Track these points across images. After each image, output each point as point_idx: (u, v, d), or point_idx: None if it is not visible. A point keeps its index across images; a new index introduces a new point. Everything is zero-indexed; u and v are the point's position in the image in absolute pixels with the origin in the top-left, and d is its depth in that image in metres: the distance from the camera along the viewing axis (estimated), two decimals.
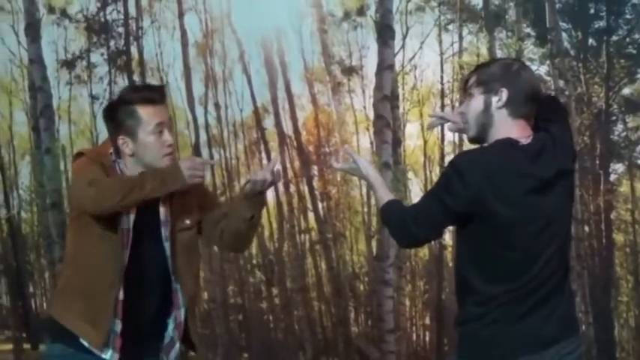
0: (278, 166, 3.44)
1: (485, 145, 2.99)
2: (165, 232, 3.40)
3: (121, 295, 3.31)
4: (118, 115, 3.31)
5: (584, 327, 16.19)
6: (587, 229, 19.10)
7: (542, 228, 2.88)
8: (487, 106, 2.98)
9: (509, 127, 2.95)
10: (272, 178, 3.34)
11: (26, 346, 20.81)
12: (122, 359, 3.36)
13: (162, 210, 3.39)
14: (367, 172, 3.29)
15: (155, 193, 3.21)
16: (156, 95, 3.33)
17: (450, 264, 20.86)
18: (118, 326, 3.32)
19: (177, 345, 3.51)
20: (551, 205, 2.90)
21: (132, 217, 3.30)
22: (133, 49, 19.72)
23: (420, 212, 2.99)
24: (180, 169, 3.20)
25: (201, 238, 3.59)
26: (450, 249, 20.88)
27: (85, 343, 3.32)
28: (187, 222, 3.45)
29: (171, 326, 3.48)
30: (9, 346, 20.59)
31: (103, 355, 3.33)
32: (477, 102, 3.01)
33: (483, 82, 3.00)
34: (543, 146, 2.92)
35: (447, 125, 3.28)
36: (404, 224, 3.03)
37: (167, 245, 3.40)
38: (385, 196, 3.19)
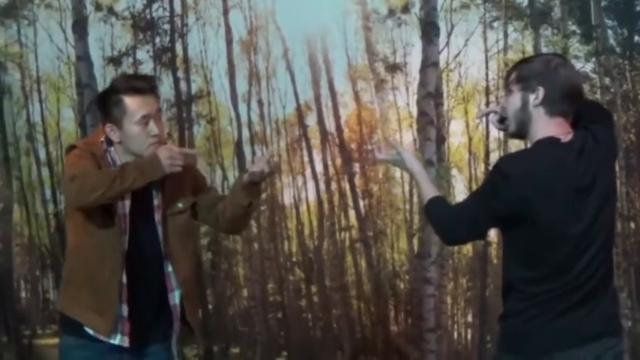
0: (275, 158, 3.47)
1: (529, 147, 3.02)
2: (157, 215, 3.48)
3: (125, 280, 3.39)
4: (106, 103, 3.40)
5: (630, 323, 16.18)
6: (633, 225, 19.03)
7: (587, 226, 2.90)
8: (524, 103, 3.03)
9: (547, 125, 2.98)
10: (269, 169, 3.40)
11: None
12: (131, 343, 3.44)
13: (155, 194, 3.48)
14: (412, 166, 3.28)
15: (136, 184, 3.29)
16: (144, 85, 3.40)
17: (495, 261, 20.78)
18: (125, 310, 3.41)
19: (175, 326, 3.58)
20: (595, 203, 2.91)
21: (127, 202, 3.40)
22: (178, 46, 19.97)
23: (465, 212, 3.04)
24: (159, 159, 3.28)
25: (197, 221, 3.68)
26: (494, 245, 20.77)
27: (91, 332, 3.40)
28: (180, 205, 3.54)
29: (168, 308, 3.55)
30: (56, 340, 20.78)
31: (112, 341, 3.41)
32: (516, 99, 3.05)
33: (522, 79, 3.04)
34: (584, 143, 2.94)
35: (490, 120, 3.28)
36: (448, 222, 3.09)
37: (160, 229, 3.48)
38: (430, 192, 3.19)
